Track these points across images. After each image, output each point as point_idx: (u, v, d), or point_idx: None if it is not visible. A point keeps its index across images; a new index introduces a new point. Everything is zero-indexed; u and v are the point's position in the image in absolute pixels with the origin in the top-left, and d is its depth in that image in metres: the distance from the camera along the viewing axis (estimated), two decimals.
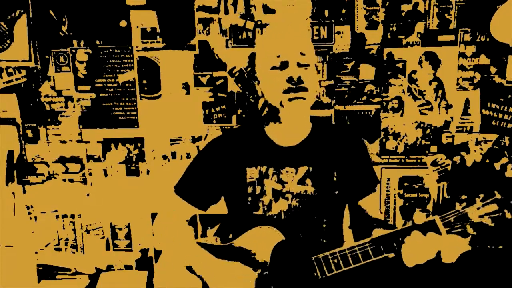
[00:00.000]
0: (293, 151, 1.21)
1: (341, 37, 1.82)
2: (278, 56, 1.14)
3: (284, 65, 1.13)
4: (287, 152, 1.21)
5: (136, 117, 1.94)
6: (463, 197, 1.88)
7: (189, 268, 1.12)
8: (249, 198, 1.19)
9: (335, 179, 1.20)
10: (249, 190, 1.19)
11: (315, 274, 1.07)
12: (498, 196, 1.00)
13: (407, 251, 1.00)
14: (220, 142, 1.30)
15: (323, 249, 1.09)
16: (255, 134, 1.26)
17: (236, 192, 1.22)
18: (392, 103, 1.86)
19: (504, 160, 1.85)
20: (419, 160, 1.89)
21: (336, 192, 1.20)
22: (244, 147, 1.24)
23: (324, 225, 1.19)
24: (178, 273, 1.13)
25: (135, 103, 1.93)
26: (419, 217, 1.02)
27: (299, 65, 1.14)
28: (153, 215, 2.01)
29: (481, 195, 1.01)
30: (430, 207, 1.92)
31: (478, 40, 1.78)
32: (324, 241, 1.19)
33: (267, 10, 1.82)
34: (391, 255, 1.05)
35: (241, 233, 1.17)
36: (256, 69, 1.22)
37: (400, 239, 1.02)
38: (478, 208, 1.01)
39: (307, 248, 1.11)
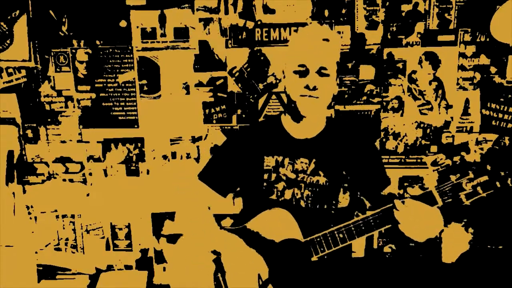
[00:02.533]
0: (307, 144, 1.30)
1: (341, 37, 1.82)
2: (302, 65, 1.21)
3: (304, 73, 1.21)
4: (301, 144, 1.30)
5: (136, 117, 1.94)
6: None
7: (214, 252, 1.20)
8: (265, 184, 1.27)
9: (344, 172, 1.28)
10: (265, 176, 1.28)
11: (321, 249, 1.15)
12: (489, 167, 1.09)
13: (405, 220, 1.09)
14: (242, 134, 1.42)
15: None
16: (273, 127, 1.35)
17: (254, 179, 1.30)
18: (392, 103, 1.86)
19: None
20: (419, 160, 1.89)
21: (346, 185, 1.28)
22: (262, 138, 1.34)
23: (333, 211, 1.27)
24: (195, 254, 1.22)
25: (135, 103, 1.93)
26: (414, 191, 1.11)
27: (320, 73, 1.21)
28: (153, 215, 2.01)
29: (474, 167, 1.10)
30: None
31: (478, 40, 1.78)
32: (332, 225, 1.24)
33: (267, 10, 1.82)
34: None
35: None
36: (286, 68, 1.29)
37: (399, 209, 1.10)
38: (471, 180, 1.09)
39: (315, 231, 1.18)
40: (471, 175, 1.09)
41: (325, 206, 1.27)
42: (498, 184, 1.07)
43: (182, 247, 1.29)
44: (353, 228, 1.14)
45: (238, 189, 1.40)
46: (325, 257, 1.16)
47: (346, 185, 1.28)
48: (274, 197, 1.27)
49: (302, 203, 1.26)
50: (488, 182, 1.07)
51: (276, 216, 1.21)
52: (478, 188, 1.08)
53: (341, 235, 1.14)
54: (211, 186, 1.33)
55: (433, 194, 1.10)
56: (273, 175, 1.27)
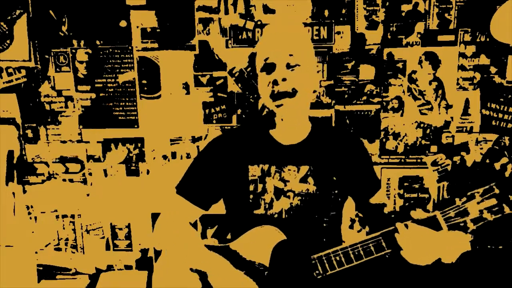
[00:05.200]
0: (294, 150, 1.21)
1: (341, 37, 1.82)
2: (266, 59, 1.14)
3: (270, 67, 1.13)
4: (288, 150, 1.21)
5: (136, 117, 1.94)
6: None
7: (193, 269, 1.11)
8: (251, 196, 1.18)
9: (334, 178, 1.20)
10: (251, 188, 1.18)
11: (317, 272, 1.08)
12: (497, 191, 1.02)
13: (408, 246, 1.02)
14: (222, 140, 1.29)
15: (324, 248, 1.10)
16: (257, 132, 1.26)
17: (238, 190, 1.21)
18: (392, 103, 1.86)
19: (504, 160, 1.85)
20: (419, 160, 1.89)
21: (336, 191, 1.20)
22: (246, 145, 1.24)
23: (324, 224, 1.19)
24: (179, 274, 1.11)
25: (135, 103, 1.93)
26: (418, 215, 1.05)
27: (288, 66, 1.13)
28: (153, 215, 2.01)
29: (480, 190, 1.04)
30: (430, 207, 1.92)
31: (478, 40, 1.78)
32: (325, 239, 1.19)
33: (267, 10, 1.82)
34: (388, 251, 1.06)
35: (241, 232, 1.17)
36: (257, 70, 1.23)
37: (401, 234, 1.03)
38: (478, 203, 1.03)
39: (307, 247, 1.11)
40: (478, 199, 1.03)
41: (316, 216, 1.18)
42: (506, 208, 1.01)
43: (165, 264, 1.15)
44: (350, 252, 1.07)
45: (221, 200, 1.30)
46: (321, 275, 1.09)
47: (336, 191, 1.20)
48: (261, 210, 1.17)
49: (291, 215, 1.17)
50: (495, 206, 1.02)
51: (265, 234, 1.12)
52: (485, 213, 1.03)
53: (337, 258, 1.08)
54: (190, 200, 1.23)
55: (438, 219, 1.04)
56: (260, 186, 1.17)
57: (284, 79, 1.10)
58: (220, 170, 1.24)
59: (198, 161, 1.29)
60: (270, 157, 1.20)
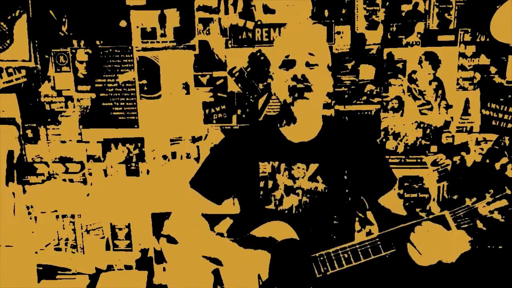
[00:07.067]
0: (304, 148, 1.23)
1: (341, 37, 1.82)
2: (287, 56, 1.18)
3: (291, 64, 1.17)
4: (298, 148, 1.23)
5: (136, 117, 1.94)
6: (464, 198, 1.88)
7: (207, 257, 1.15)
8: (261, 192, 1.21)
9: (345, 177, 1.21)
10: (261, 184, 1.21)
11: (325, 268, 1.09)
12: (509, 191, 1.00)
13: (416, 245, 1.02)
14: (235, 137, 1.35)
15: (333, 245, 1.11)
16: (268, 129, 1.29)
17: (249, 186, 1.24)
18: (392, 103, 1.86)
19: (504, 160, 1.85)
20: (419, 160, 1.89)
21: (347, 191, 1.22)
22: (257, 142, 1.27)
23: (335, 222, 1.21)
24: (191, 263, 1.17)
25: (135, 103, 1.93)
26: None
27: (307, 64, 1.17)
28: (153, 215, 2.01)
29: (491, 191, 1.02)
30: (429, 207, 1.92)
31: (478, 40, 1.78)
32: (335, 237, 1.20)
33: (267, 10, 1.82)
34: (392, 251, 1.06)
35: (252, 227, 1.20)
36: (271, 68, 1.28)
37: (409, 233, 1.03)
38: (488, 203, 1.01)
39: (315, 244, 1.12)
40: (489, 199, 1.01)
41: (325, 214, 1.20)
42: None
43: (179, 256, 1.24)
44: (358, 249, 1.07)
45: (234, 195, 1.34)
46: (328, 273, 1.10)
47: (347, 191, 1.21)
48: (271, 206, 1.20)
49: (300, 211, 1.19)
50: (507, 207, 0.99)
51: (275, 230, 1.15)
52: (496, 213, 1.00)
53: (345, 255, 1.08)
54: (203, 194, 1.27)
55: (446, 218, 1.02)
56: (270, 182, 1.20)
57: (303, 76, 1.14)
58: (232, 166, 1.27)
59: (212, 156, 1.34)
60: (281, 155, 1.22)
